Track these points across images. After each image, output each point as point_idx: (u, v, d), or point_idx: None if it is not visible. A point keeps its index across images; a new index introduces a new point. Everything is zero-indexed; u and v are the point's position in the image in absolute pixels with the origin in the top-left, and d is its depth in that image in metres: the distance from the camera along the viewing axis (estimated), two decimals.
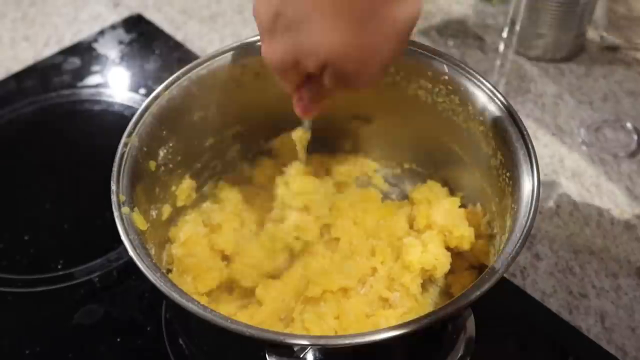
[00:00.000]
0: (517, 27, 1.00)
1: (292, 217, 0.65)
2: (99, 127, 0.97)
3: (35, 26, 1.12)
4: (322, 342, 0.47)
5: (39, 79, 1.03)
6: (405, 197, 0.77)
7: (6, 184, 0.90)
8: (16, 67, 1.05)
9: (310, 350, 0.47)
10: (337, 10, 0.47)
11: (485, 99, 0.63)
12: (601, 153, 0.89)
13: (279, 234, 0.65)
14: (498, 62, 1.03)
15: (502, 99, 0.62)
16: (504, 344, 0.70)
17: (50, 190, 0.88)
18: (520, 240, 0.52)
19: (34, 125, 0.97)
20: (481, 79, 0.64)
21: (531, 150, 0.58)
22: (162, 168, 0.66)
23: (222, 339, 0.58)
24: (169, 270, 0.67)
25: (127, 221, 0.56)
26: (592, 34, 1.05)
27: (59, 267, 0.78)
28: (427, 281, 0.67)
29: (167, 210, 0.68)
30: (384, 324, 0.61)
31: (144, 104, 0.64)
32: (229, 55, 0.68)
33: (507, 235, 0.55)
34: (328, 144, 0.74)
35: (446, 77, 0.65)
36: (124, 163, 0.60)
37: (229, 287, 0.68)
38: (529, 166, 0.57)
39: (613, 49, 1.03)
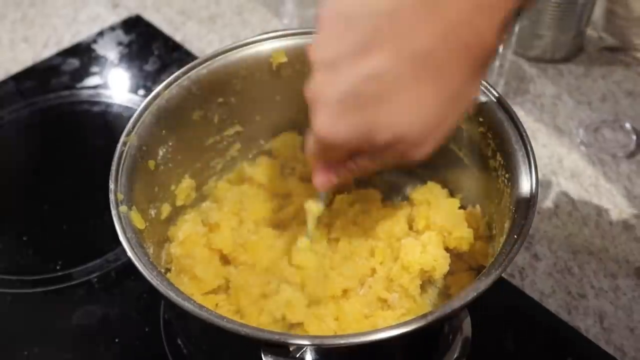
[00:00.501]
0: (516, 28, 1.00)
1: (283, 293, 0.64)
2: (98, 128, 0.97)
3: (34, 27, 1.13)
4: (317, 341, 0.47)
5: (38, 80, 1.03)
6: (405, 198, 0.77)
7: (5, 185, 0.90)
8: (15, 68, 1.05)
9: (306, 350, 0.47)
10: (423, 88, 0.47)
11: (485, 99, 0.63)
12: (600, 153, 0.89)
13: (270, 307, 0.64)
14: (497, 63, 1.02)
15: (501, 100, 0.62)
16: (502, 345, 0.70)
17: (48, 192, 0.88)
18: (517, 242, 0.52)
19: (33, 126, 0.97)
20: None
21: (530, 152, 0.58)
22: (162, 167, 0.66)
23: (219, 339, 0.58)
24: (168, 270, 0.67)
25: (125, 220, 0.56)
26: (590, 35, 1.05)
27: (58, 268, 0.78)
28: (426, 282, 0.67)
29: (166, 209, 0.68)
30: (382, 325, 0.61)
31: (143, 103, 0.64)
32: (228, 55, 0.69)
33: (505, 236, 0.55)
34: None
35: None
36: (122, 162, 0.60)
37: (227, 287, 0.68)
38: (528, 168, 0.58)
39: (612, 49, 1.03)
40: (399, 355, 0.54)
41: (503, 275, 0.72)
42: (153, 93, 0.65)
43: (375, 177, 0.78)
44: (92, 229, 0.83)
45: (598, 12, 1.02)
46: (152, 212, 0.65)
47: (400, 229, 0.68)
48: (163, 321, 0.73)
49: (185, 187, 0.70)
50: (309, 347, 0.47)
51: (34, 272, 0.78)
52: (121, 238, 0.54)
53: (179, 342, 0.71)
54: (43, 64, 1.05)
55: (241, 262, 0.68)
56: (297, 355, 0.47)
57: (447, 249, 0.66)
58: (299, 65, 0.69)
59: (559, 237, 0.80)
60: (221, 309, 0.64)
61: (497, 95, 0.63)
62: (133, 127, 0.62)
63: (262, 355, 0.46)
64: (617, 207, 0.83)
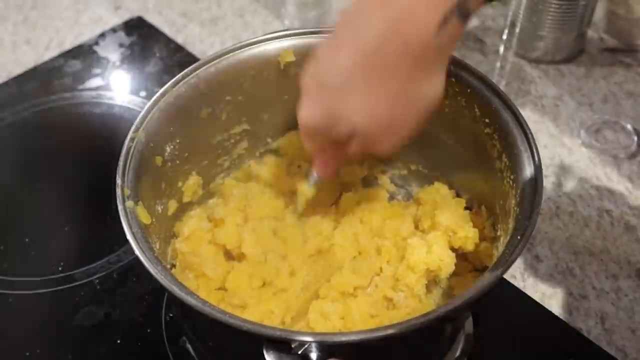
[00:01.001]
0: (517, 29, 1.00)
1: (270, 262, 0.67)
2: (99, 130, 0.97)
3: (36, 29, 1.13)
4: (319, 338, 0.47)
5: (40, 82, 1.03)
6: (411, 198, 0.77)
7: (7, 186, 0.90)
8: (17, 70, 1.05)
9: (308, 347, 0.47)
10: (374, 83, 0.52)
11: (491, 101, 0.63)
12: (601, 154, 0.89)
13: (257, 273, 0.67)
14: (498, 64, 1.03)
15: (507, 101, 0.62)
16: (503, 345, 0.70)
17: (50, 193, 0.88)
18: (520, 243, 0.52)
19: (35, 128, 0.97)
20: (487, 80, 0.64)
21: (535, 154, 0.58)
22: (169, 164, 0.67)
23: (221, 335, 0.58)
24: (173, 266, 0.67)
25: (131, 215, 0.56)
26: (591, 36, 1.05)
27: (60, 269, 0.78)
28: (431, 283, 0.67)
29: (173, 205, 0.68)
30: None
31: (151, 100, 0.64)
32: (237, 53, 0.69)
33: (508, 237, 0.55)
34: None
35: (452, 79, 0.65)
36: (130, 158, 0.60)
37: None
38: (533, 169, 0.58)
39: (613, 50, 1.03)
40: (402, 353, 0.54)
41: (504, 276, 0.73)
42: (161, 90, 0.65)
43: (382, 176, 0.78)
44: (94, 230, 0.83)
45: (599, 13, 1.02)
46: (159, 208, 0.65)
47: (406, 229, 0.69)
48: (165, 323, 0.73)
49: (192, 184, 0.71)
50: (310, 343, 0.47)
51: (36, 273, 0.78)
52: (127, 232, 0.54)
53: (181, 343, 0.71)
54: (45, 66, 1.05)
55: (244, 257, 0.68)
56: (300, 352, 0.47)
57: (452, 249, 0.66)
58: (306, 64, 0.70)
59: (560, 238, 0.80)
60: (226, 306, 0.64)
61: (503, 96, 0.63)
62: (141, 124, 0.62)
63: (265, 352, 0.46)
64: (618, 208, 0.83)
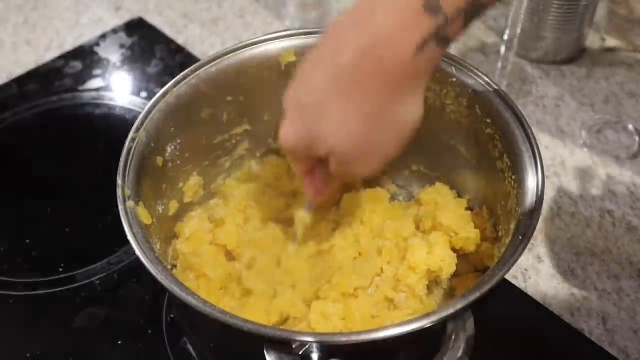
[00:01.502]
0: (519, 30, 1.00)
1: (280, 296, 0.65)
2: (100, 131, 0.97)
3: (37, 31, 1.13)
4: (320, 339, 0.47)
5: (41, 83, 1.03)
6: (412, 199, 0.77)
7: (7, 187, 0.90)
8: (18, 71, 1.05)
9: (309, 348, 0.47)
10: (348, 106, 0.51)
11: (493, 101, 0.63)
12: (603, 155, 0.89)
13: (271, 308, 0.65)
14: (499, 65, 1.03)
15: (509, 101, 0.62)
16: (505, 347, 0.70)
17: (51, 194, 0.88)
18: (522, 243, 0.52)
19: (36, 129, 0.97)
20: (489, 81, 0.64)
21: (537, 154, 0.58)
22: (170, 164, 0.67)
23: (222, 335, 0.57)
24: (174, 266, 0.67)
25: (132, 215, 0.56)
26: (593, 36, 1.05)
27: (60, 270, 0.78)
28: (433, 284, 0.67)
29: (174, 206, 0.68)
30: None
31: (152, 100, 0.64)
32: (238, 54, 0.69)
33: (510, 237, 0.55)
34: None
35: (454, 80, 0.65)
36: (130, 158, 0.60)
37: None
38: (534, 169, 0.58)
39: (614, 50, 1.03)
40: (402, 353, 0.54)
41: (506, 277, 0.72)
42: (162, 90, 0.65)
43: (383, 177, 0.78)
44: (95, 231, 0.83)
45: (600, 14, 1.02)
46: (160, 208, 0.65)
47: (408, 229, 0.68)
48: (166, 324, 0.73)
49: (193, 185, 0.71)
50: (312, 344, 0.47)
51: (37, 274, 0.78)
52: (127, 233, 0.54)
53: (182, 344, 0.71)
54: (46, 67, 1.05)
55: (246, 258, 0.68)
56: (300, 353, 0.47)
57: (453, 250, 0.66)
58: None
59: (562, 238, 0.80)
60: (226, 306, 0.64)
61: (504, 96, 0.63)
62: (142, 124, 0.62)
63: (265, 352, 0.46)
64: (620, 208, 0.83)
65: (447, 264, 0.64)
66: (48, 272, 0.78)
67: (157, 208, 0.64)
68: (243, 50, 0.69)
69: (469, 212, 0.69)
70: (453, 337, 0.47)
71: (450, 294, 0.67)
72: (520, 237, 0.52)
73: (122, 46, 1.09)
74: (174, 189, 0.69)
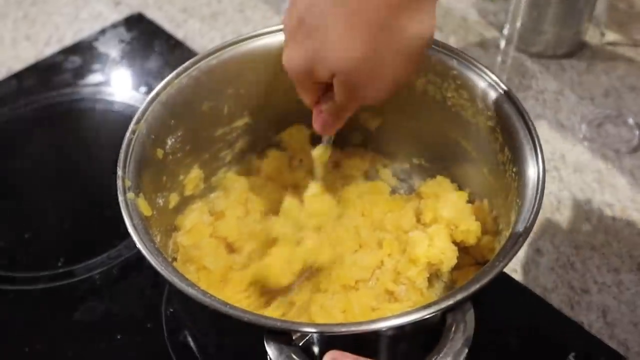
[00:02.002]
0: (518, 24, 1.00)
1: (307, 240, 0.65)
2: (99, 126, 0.97)
3: (36, 25, 1.13)
4: (320, 329, 0.47)
5: (40, 77, 1.03)
6: (413, 192, 0.77)
7: (7, 182, 0.90)
8: (17, 66, 1.05)
9: (309, 338, 0.47)
10: (351, 18, 0.47)
11: (494, 94, 0.63)
12: (603, 148, 0.89)
13: (295, 256, 0.65)
14: (499, 59, 1.02)
15: (510, 94, 0.62)
16: (504, 339, 0.70)
17: (51, 189, 0.88)
18: (522, 235, 0.52)
19: (35, 123, 0.97)
20: (490, 74, 0.64)
21: (537, 146, 0.58)
22: (170, 157, 0.66)
23: (222, 326, 0.57)
24: (174, 259, 0.67)
25: (132, 207, 0.56)
26: (593, 30, 1.04)
27: (60, 264, 0.78)
28: (433, 276, 0.67)
29: (174, 198, 0.68)
30: None
31: (153, 92, 0.64)
32: (238, 46, 0.69)
33: (510, 229, 0.55)
34: (337, 137, 0.75)
35: (455, 72, 0.65)
36: (131, 150, 0.60)
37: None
38: (535, 161, 0.57)
39: (614, 44, 1.03)
40: (402, 344, 0.54)
41: (506, 270, 0.72)
42: (163, 82, 0.65)
43: (384, 170, 0.78)
44: (93, 225, 0.83)
45: (600, 8, 1.01)
46: (160, 201, 0.65)
47: (408, 222, 0.68)
48: (165, 317, 0.73)
49: (193, 178, 0.71)
50: (312, 334, 0.47)
51: (36, 268, 0.78)
52: (127, 224, 0.54)
53: (181, 337, 0.71)
54: (45, 62, 1.05)
55: (245, 251, 0.68)
56: (300, 343, 0.47)
57: (454, 243, 0.66)
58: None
59: (562, 232, 0.80)
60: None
61: (505, 89, 0.63)
62: (142, 116, 0.62)
63: (265, 343, 0.46)
64: (620, 202, 0.83)
65: (448, 256, 0.64)
66: (47, 267, 0.78)
67: (157, 200, 0.64)
68: (244, 42, 0.69)
69: (469, 204, 0.69)
70: (453, 329, 0.47)
71: (450, 287, 0.67)
72: (521, 229, 0.52)
73: (121, 41, 1.09)
74: (175, 182, 0.69)
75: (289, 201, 0.69)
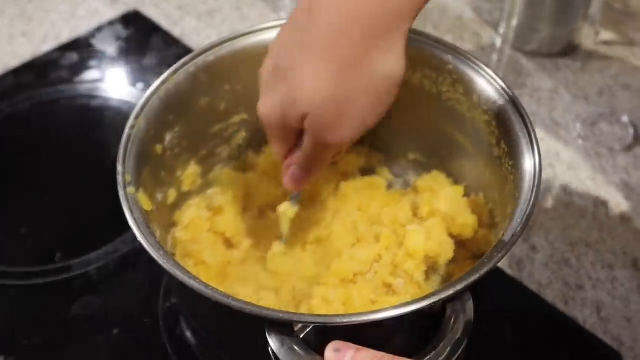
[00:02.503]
0: (514, 22, 1.01)
1: (265, 299, 0.64)
2: (96, 122, 0.97)
3: (33, 22, 1.13)
4: (322, 320, 0.47)
5: (37, 74, 1.03)
6: (409, 187, 0.77)
7: (3, 177, 0.90)
8: (14, 62, 1.05)
9: (311, 329, 0.47)
10: (320, 57, 0.48)
11: (489, 88, 0.64)
12: (597, 147, 0.89)
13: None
14: (494, 57, 1.03)
15: (505, 88, 0.63)
16: (500, 336, 0.70)
17: (48, 184, 0.88)
18: (520, 226, 0.52)
19: (32, 120, 0.97)
20: (485, 68, 0.65)
21: (534, 139, 0.59)
22: (169, 152, 0.67)
23: (224, 318, 0.58)
24: (173, 255, 0.67)
25: (132, 201, 0.56)
26: (588, 30, 1.05)
27: (57, 259, 0.78)
28: (430, 270, 0.67)
29: (172, 194, 0.68)
30: None
31: (151, 88, 0.64)
32: (236, 42, 0.69)
33: (508, 221, 0.55)
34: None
35: (450, 67, 0.66)
36: (130, 145, 0.60)
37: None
38: (532, 154, 0.58)
39: (609, 43, 1.04)
40: (402, 335, 0.54)
41: (501, 267, 0.73)
42: (161, 78, 0.65)
43: (380, 166, 0.78)
44: (91, 221, 0.83)
45: (595, 7, 1.02)
46: (159, 196, 0.65)
47: (405, 216, 0.69)
48: (162, 312, 0.73)
49: (191, 173, 0.71)
50: (313, 325, 0.47)
51: (33, 263, 0.78)
52: (128, 218, 0.54)
53: (178, 332, 0.71)
54: (42, 59, 1.05)
55: (244, 246, 0.68)
56: (302, 335, 0.47)
57: (450, 236, 0.66)
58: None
59: (557, 229, 0.80)
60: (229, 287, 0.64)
61: (501, 83, 0.63)
62: (141, 111, 0.62)
63: (267, 335, 0.46)
64: (614, 199, 0.83)
65: (445, 249, 0.64)
66: (44, 261, 0.78)
67: (156, 196, 0.64)
68: (241, 38, 0.69)
69: (466, 198, 0.69)
70: (452, 319, 0.47)
71: (447, 280, 0.67)
72: (518, 221, 0.53)
73: (118, 38, 1.09)
74: (173, 177, 0.69)
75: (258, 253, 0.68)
